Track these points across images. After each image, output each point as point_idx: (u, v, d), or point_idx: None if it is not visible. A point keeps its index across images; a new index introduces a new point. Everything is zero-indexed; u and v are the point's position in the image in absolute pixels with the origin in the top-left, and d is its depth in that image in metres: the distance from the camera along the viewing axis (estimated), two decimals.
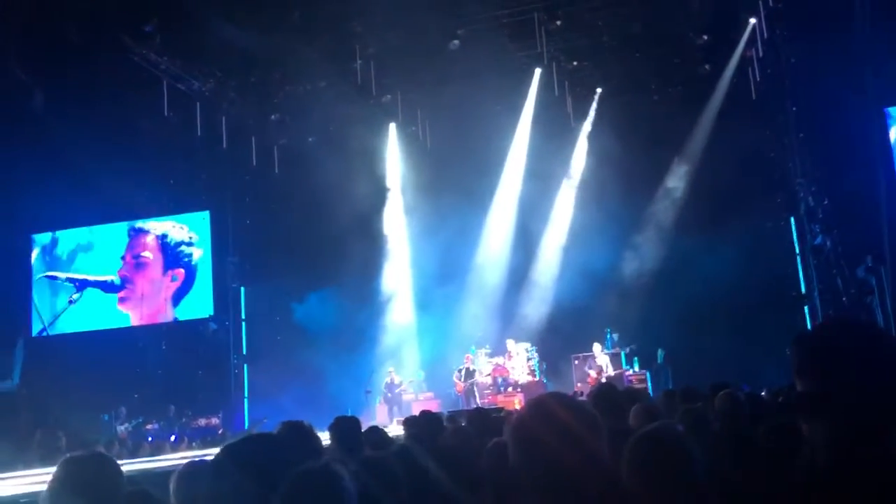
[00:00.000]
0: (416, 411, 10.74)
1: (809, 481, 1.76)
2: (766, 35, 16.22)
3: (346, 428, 4.63)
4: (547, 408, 1.99)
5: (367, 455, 3.85)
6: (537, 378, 17.97)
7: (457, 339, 18.42)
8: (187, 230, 20.78)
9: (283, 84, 17.92)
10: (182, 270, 20.58)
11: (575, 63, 17.59)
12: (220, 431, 16.65)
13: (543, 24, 15.83)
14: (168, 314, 20.50)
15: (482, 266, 19.12)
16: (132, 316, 20.53)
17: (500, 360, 18.19)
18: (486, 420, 5.87)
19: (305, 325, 18.15)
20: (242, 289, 20.45)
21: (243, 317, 20.41)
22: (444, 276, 18.20)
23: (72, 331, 20.42)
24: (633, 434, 2.80)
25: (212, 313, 20.15)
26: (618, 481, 2.02)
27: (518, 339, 18.33)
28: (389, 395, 17.84)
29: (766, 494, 1.88)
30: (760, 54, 16.91)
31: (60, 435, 11.28)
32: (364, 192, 18.80)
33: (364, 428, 5.16)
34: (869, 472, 1.66)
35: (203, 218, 20.79)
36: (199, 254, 20.61)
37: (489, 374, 18.02)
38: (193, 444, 14.24)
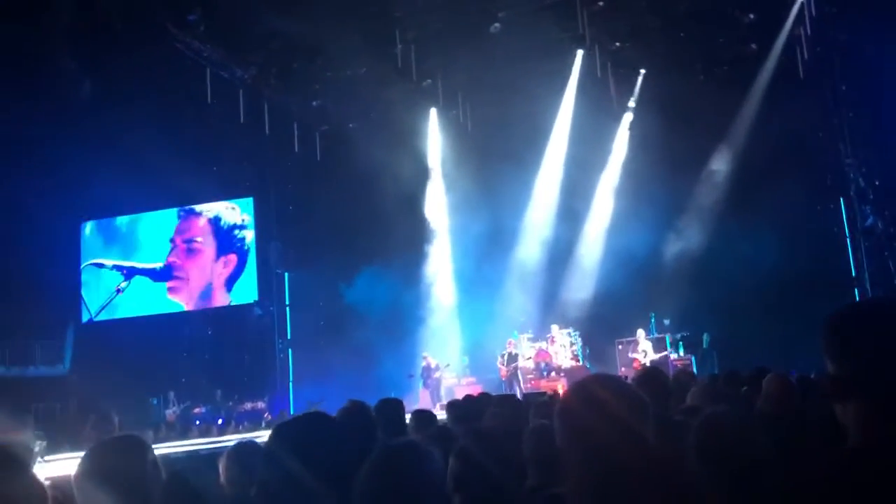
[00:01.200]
0: (459, 396, 10.77)
1: (846, 463, 1.73)
2: (814, 13, 15.81)
3: (390, 410, 4.65)
4: (592, 391, 1.98)
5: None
6: (580, 363, 17.90)
7: (499, 324, 18.41)
8: (239, 212, 20.97)
9: (325, 70, 17.95)
10: (234, 256, 20.80)
11: (618, 44, 17.33)
12: (265, 415, 16.90)
13: (585, 5, 15.60)
14: (222, 299, 20.74)
15: (525, 250, 19.05)
16: (183, 303, 20.85)
17: (542, 344, 18.14)
18: (528, 404, 5.84)
19: (349, 310, 18.30)
20: (286, 274, 20.66)
21: (287, 302, 20.63)
22: (487, 260, 18.18)
23: (121, 316, 20.82)
24: (699, 416, 2.81)
25: (256, 299, 20.41)
26: (663, 464, 2.00)
27: (562, 325, 18.26)
28: (429, 380, 17.88)
29: (808, 476, 1.86)
30: (808, 32, 16.49)
31: (114, 418, 11.53)
32: (406, 177, 18.82)
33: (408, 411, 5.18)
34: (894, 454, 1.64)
35: (248, 203, 21.02)
36: (251, 236, 20.81)
37: (531, 359, 17.99)
38: (240, 427, 14.49)
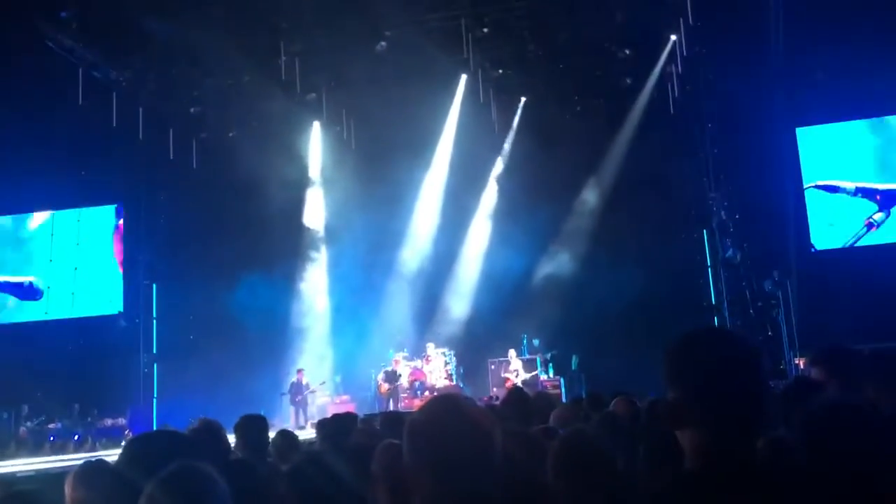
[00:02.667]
0: (330, 414, 10.62)
1: (678, 486, 1.81)
2: (685, 52, 16.66)
3: (252, 428, 4.53)
4: (439, 407, 1.99)
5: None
6: (454, 382, 18.02)
7: (375, 342, 18.33)
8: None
9: (205, 77, 17.54)
10: None
11: (500, 71, 17.75)
12: (126, 432, 16.17)
13: (470, 30, 15.91)
14: None
15: (402, 269, 19.08)
16: None
17: (417, 363, 18.17)
18: (400, 422, 5.81)
19: (222, 323, 17.71)
20: (154, 285, 19.91)
21: (154, 314, 19.86)
22: (364, 278, 18.09)
23: None
24: (558, 436, 2.87)
25: (121, 310, 19.55)
26: (518, 478, 2.03)
27: (438, 344, 18.36)
28: (298, 397, 17.44)
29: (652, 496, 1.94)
30: (679, 71, 17.36)
31: None
32: (285, 190, 18.57)
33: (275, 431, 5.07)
34: (730, 477, 1.72)
35: (109, 211, 20.22)
36: None
37: (406, 378, 17.98)
38: (97, 444, 13.82)
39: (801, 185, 17.51)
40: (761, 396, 1.83)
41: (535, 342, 17.84)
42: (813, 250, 17.29)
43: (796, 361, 14.89)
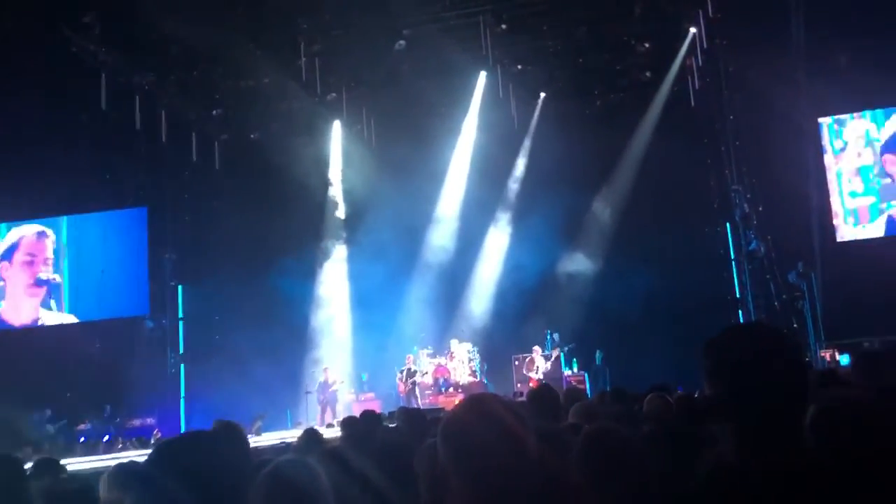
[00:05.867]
0: (357, 412, 10.69)
1: (718, 480, 1.81)
2: (705, 45, 16.55)
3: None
4: (475, 406, 2.00)
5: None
6: (478, 378, 18.05)
7: (399, 340, 18.39)
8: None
9: (226, 79, 17.68)
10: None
11: (520, 67, 17.73)
12: (155, 432, 16.35)
13: (489, 26, 15.90)
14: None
15: (425, 266, 19.11)
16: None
17: (441, 360, 18.22)
18: (422, 419, 5.86)
19: (246, 324, 17.85)
20: (180, 287, 20.10)
21: (181, 315, 20.05)
22: (385, 276, 18.12)
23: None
24: (582, 431, 2.87)
25: (148, 312, 19.76)
26: (548, 478, 2.05)
27: (461, 340, 18.39)
28: (322, 396, 17.50)
29: (681, 493, 1.94)
30: (700, 63, 17.26)
31: None
32: (306, 190, 18.69)
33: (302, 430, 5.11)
34: (765, 474, 1.72)
35: (140, 214, 20.38)
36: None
37: (430, 374, 18.03)
38: (128, 444, 13.98)
39: (825, 176, 17.36)
40: (804, 390, 1.83)
41: (555, 336, 17.81)
42: (837, 241, 17.15)
43: (822, 353, 14.77)
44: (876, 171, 17.18)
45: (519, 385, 17.23)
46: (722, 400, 1.83)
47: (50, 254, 20.24)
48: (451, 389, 17.65)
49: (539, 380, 16.44)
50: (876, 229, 17.02)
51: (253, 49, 15.93)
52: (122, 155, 19.11)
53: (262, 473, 2.10)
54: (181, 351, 19.84)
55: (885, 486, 1.93)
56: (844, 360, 13.92)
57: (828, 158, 17.49)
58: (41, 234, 20.38)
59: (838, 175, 17.42)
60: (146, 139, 18.43)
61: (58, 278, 20.13)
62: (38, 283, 20.09)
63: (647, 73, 18.00)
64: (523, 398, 9.24)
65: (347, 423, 6.20)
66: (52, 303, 19.93)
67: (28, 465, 4.25)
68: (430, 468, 3.25)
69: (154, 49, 16.29)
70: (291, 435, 11.43)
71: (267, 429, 15.08)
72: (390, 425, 5.85)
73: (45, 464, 4.81)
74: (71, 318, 19.89)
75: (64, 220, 20.51)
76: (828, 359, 14.39)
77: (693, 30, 16.65)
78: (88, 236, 20.42)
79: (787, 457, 1.75)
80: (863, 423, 2.20)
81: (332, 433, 8.63)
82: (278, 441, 10.44)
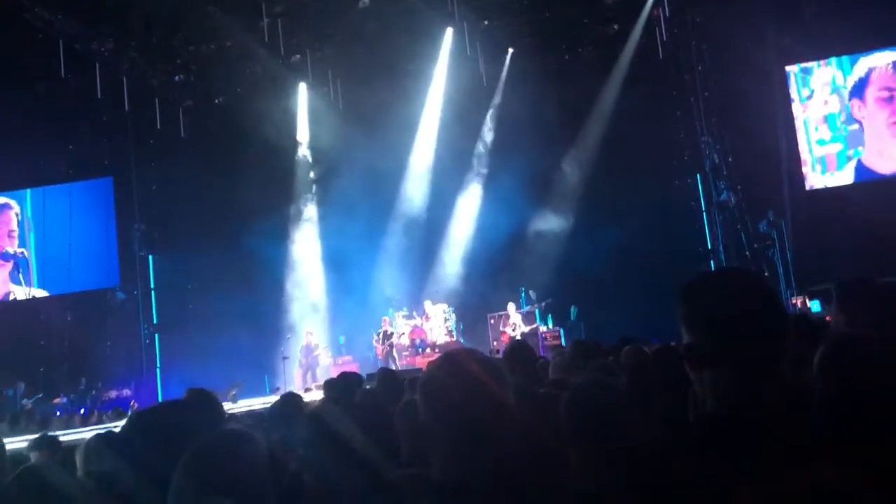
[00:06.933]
0: (334, 375, 10.68)
1: (700, 429, 1.79)
2: None
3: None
4: (451, 361, 1.98)
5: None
6: (455, 338, 18.13)
7: (374, 302, 18.39)
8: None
9: (188, 44, 17.32)
10: None
11: (486, 22, 17.55)
12: (132, 403, 16.29)
13: None
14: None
15: (397, 226, 19.05)
16: None
17: (417, 321, 18.26)
18: (396, 381, 5.85)
19: (218, 292, 17.72)
20: (151, 257, 19.89)
21: (152, 286, 19.87)
22: (356, 238, 18.03)
23: None
24: (571, 387, 2.86)
25: (118, 283, 19.55)
26: (526, 431, 2.03)
27: (435, 301, 18.42)
28: (304, 360, 17.63)
29: (664, 446, 1.91)
30: (667, 14, 17.18)
31: None
32: (274, 154, 18.48)
33: (280, 395, 5.08)
34: (750, 420, 1.69)
35: (106, 184, 20.07)
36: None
37: (406, 335, 18.08)
38: (104, 416, 13.90)
39: (793, 125, 17.46)
40: (782, 334, 1.78)
41: (531, 293, 17.90)
42: (807, 189, 17.32)
43: (793, 301, 14.98)
44: (843, 118, 17.29)
45: (495, 343, 17.33)
46: (701, 346, 1.79)
47: (14, 226, 19.92)
48: (427, 350, 17.72)
49: (512, 336, 16.51)
50: (845, 176, 17.19)
51: (213, 11, 15.60)
52: (84, 124, 18.76)
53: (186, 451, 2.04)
54: (154, 321, 19.69)
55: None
56: (815, 306, 14.13)
57: (795, 107, 17.57)
58: (4, 207, 20.03)
59: (805, 123, 17.51)
60: (108, 108, 18.08)
61: (25, 252, 19.83)
62: (4, 256, 19.78)
63: (615, 26, 17.89)
64: (499, 356, 9.29)
65: (330, 386, 6.18)
66: (21, 277, 19.63)
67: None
68: (410, 424, 3.25)
69: (112, 15, 15.90)
70: (268, 401, 11.41)
71: (245, 396, 15.06)
72: (367, 387, 5.83)
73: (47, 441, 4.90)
74: (41, 293, 19.65)
75: (27, 193, 20.17)
76: (799, 305, 14.60)
77: None
78: (53, 208, 20.09)
79: (771, 401, 1.72)
80: (874, 359, 2.17)
81: (311, 397, 8.62)
82: (253, 407, 10.43)
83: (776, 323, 1.79)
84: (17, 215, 19.98)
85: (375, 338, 17.74)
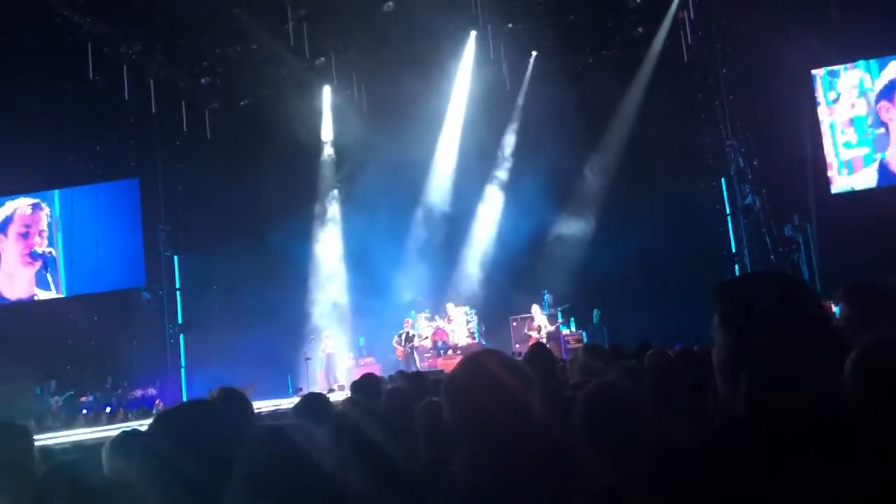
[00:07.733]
0: (356, 377, 10.71)
1: (730, 432, 1.77)
2: None
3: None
4: (478, 363, 1.98)
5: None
6: (476, 340, 18.12)
7: (396, 304, 18.43)
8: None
9: (214, 46, 17.47)
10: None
11: (510, 25, 17.53)
12: (157, 402, 16.43)
13: None
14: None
15: (418, 230, 19.08)
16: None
17: (439, 323, 18.28)
18: (424, 381, 5.87)
19: (242, 292, 17.85)
20: (176, 257, 20.07)
21: (178, 286, 20.05)
22: (380, 241, 18.07)
23: None
24: (585, 388, 2.87)
25: (144, 283, 19.75)
26: (549, 435, 2.04)
27: (458, 303, 18.42)
28: (324, 361, 17.73)
29: (691, 447, 1.89)
30: (692, 16, 17.08)
31: None
32: (299, 156, 18.59)
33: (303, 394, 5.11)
34: (781, 423, 1.67)
35: (132, 185, 20.30)
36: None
37: (429, 338, 18.10)
38: (129, 415, 14.04)
39: (819, 128, 17.30)
40: (820, 338, 1.75)
41: (551, 297, 17.84)
42: (832, 192, 17.15)
43: None
44: (870, 121, 17.11)
45: (517, 346, 17.30)
46: (733, 349, 1.76)
47: (44, 226, 20.20)
48: (449, 352, 17.73)
49: (538, 339, 16.49)
50: (869, 179, 17.00)
51: (239, 15, 15.72)
52: (111, 126, 18.97)
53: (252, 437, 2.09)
54: (179, 321, 19.87)
55: None
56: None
57: (821, 110, 17.41)
58: (36, 207, 20.32)
59: (832, 126, 17.35)
60: (135, 110, 18.27)
61: (53, 252, 20.10)
62: (34, 255, 20.06)
63: (639, 29, 17.82)
64: (520, 358, 9.28)
65: (356, 387, 6.20)
66: (49, 277, 19.90)
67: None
68: (429, 426, 3.28)
69: (140, 18, 16.07)
70: (290, 402, 11.47)
71: (266, 396, 15.13)
72: (391, 387, 5.85)
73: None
74: (63, 296, 19.95)
75: (56, 194, 20.44)
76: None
77: None
78: (81, 209, 20.36)
79: (798, 406, 1.69)
80: None
81: (334, 397, 8.64)
82: (273, 408, 10.47)
83: (813, 326, 1.76)
84: (47, 216, 20.26)
85: (396, 339, 17.77)
